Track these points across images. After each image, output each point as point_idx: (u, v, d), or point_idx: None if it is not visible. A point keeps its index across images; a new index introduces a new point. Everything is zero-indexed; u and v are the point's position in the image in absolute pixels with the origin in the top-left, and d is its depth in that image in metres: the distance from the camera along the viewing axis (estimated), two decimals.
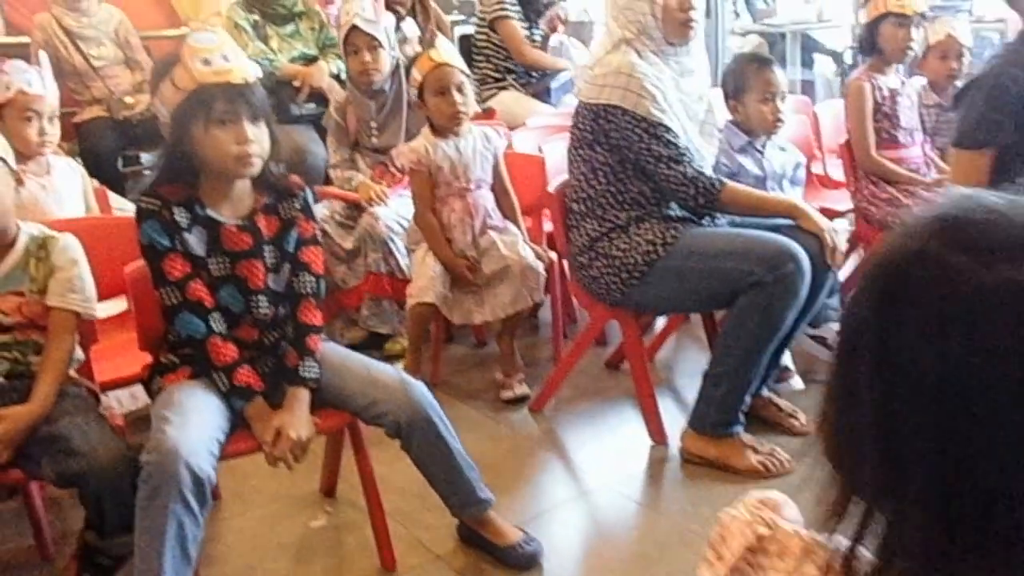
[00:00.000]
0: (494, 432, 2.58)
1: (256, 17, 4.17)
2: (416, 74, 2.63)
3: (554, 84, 4.53)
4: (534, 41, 4.58)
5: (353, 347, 3.13)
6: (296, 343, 1.83)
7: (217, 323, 1.75)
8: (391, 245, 2.96)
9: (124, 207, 3.33)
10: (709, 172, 2.30)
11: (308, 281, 1.85)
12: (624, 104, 2.24)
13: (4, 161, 1.74)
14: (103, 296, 2.09)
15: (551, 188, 2.47)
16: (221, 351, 1.73)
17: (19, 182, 1.80)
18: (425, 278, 2.65)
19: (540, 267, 2.71)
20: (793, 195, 2.65)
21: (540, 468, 2.44)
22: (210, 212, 1.76)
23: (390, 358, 3.09)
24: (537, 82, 4.52)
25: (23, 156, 2.43)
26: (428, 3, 4.46)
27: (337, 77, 4.13)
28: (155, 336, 1.84)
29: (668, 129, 2.26)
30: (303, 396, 1.78)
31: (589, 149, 2.34)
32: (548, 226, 3.16)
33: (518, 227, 2.80)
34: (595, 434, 2.57)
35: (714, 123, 2.48)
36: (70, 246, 1.82)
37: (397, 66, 3.22)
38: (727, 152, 2.56)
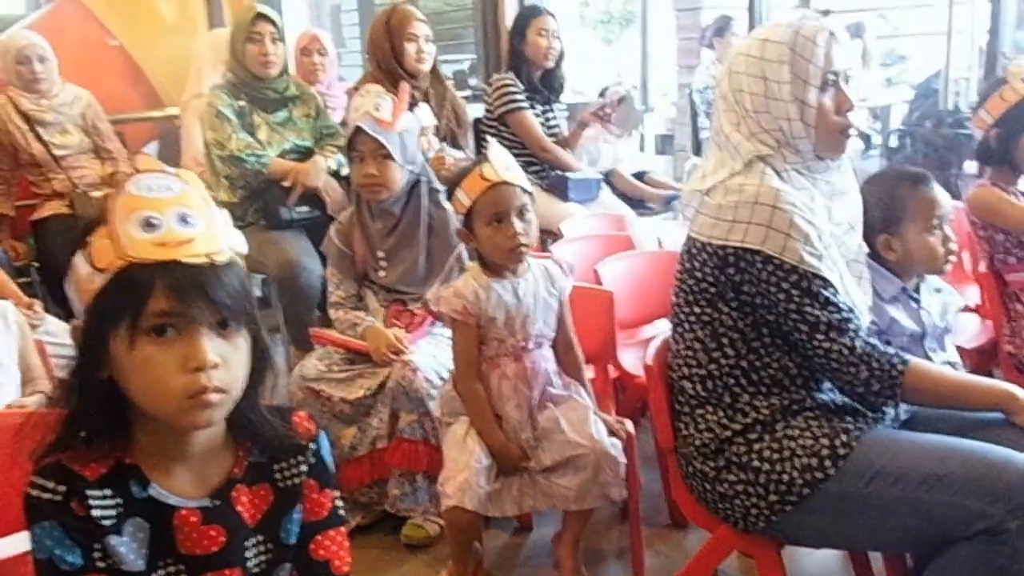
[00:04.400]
0: None
1: (243, 103, 3.51)
2: (463, 197, 1.94)
3: (573, 175, 3.90)
4: (552, 129, 3.99)
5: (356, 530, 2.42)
6: None
7: None
8: (429, 404, 2.26)
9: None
10: (883, 345, 1.61)
11: None
12: (767, 248, 1.57)
13: None
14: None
15: (649, 358, 1.77)
16: None
17: None
18: (468, 471, 1.92)
19: (620, 452, 1.99)
20: (954, 356, 1.98)
21: None
22: (154, 490, 1.04)
23: (410, 548, 2.37)
24: (553, 173, 3.89)
25: None
26: (443, 83, 3.81)
27: (336, 174, 3.48)
28: None
29: (827, 283, 1.59)
30: None
31: (709, 307, 1.66)
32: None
33: (585, 391, 2.09)
34: None
35: (864, 262, 1.81)
36: None
37: (417, 181, 2.50)
38: (875, 304, 1.88)
